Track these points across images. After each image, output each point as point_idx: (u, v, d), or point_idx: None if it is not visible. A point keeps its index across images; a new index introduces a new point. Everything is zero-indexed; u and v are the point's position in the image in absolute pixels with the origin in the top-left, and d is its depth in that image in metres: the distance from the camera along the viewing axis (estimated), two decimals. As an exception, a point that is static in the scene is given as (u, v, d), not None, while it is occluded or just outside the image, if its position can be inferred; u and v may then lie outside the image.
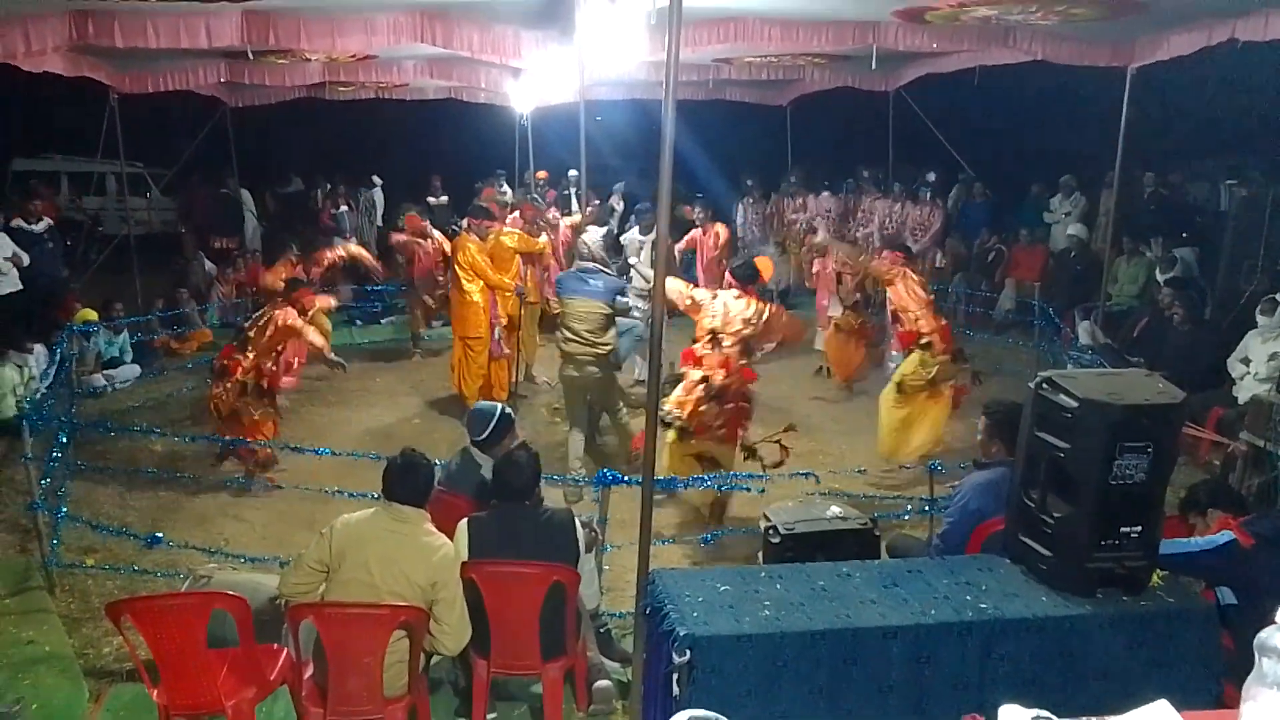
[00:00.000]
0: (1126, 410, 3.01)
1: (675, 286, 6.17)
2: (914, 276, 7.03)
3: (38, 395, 7.13)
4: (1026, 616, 3.05)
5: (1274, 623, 1.51)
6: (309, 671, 3.64)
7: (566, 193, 13.56)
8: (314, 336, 6.92)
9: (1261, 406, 5.84)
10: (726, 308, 6.02)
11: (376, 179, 14.97)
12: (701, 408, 5.83)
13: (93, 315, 9.14)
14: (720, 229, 10.01)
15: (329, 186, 14.26)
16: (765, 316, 6.04)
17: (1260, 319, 7.10)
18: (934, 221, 11.58)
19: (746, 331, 5.97)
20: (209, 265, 11.89)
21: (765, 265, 6.77)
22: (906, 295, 6.86)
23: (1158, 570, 3.24)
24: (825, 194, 12.86)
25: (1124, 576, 3.14)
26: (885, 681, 2.99)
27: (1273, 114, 11.06)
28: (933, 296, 7.08)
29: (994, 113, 14.70)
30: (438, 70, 10.29)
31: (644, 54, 7.83)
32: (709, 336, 5.98)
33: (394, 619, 3.43)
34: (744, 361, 6.03)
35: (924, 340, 6.74)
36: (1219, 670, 3.15)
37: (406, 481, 3.67)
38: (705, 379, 5.88)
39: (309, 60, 9.75)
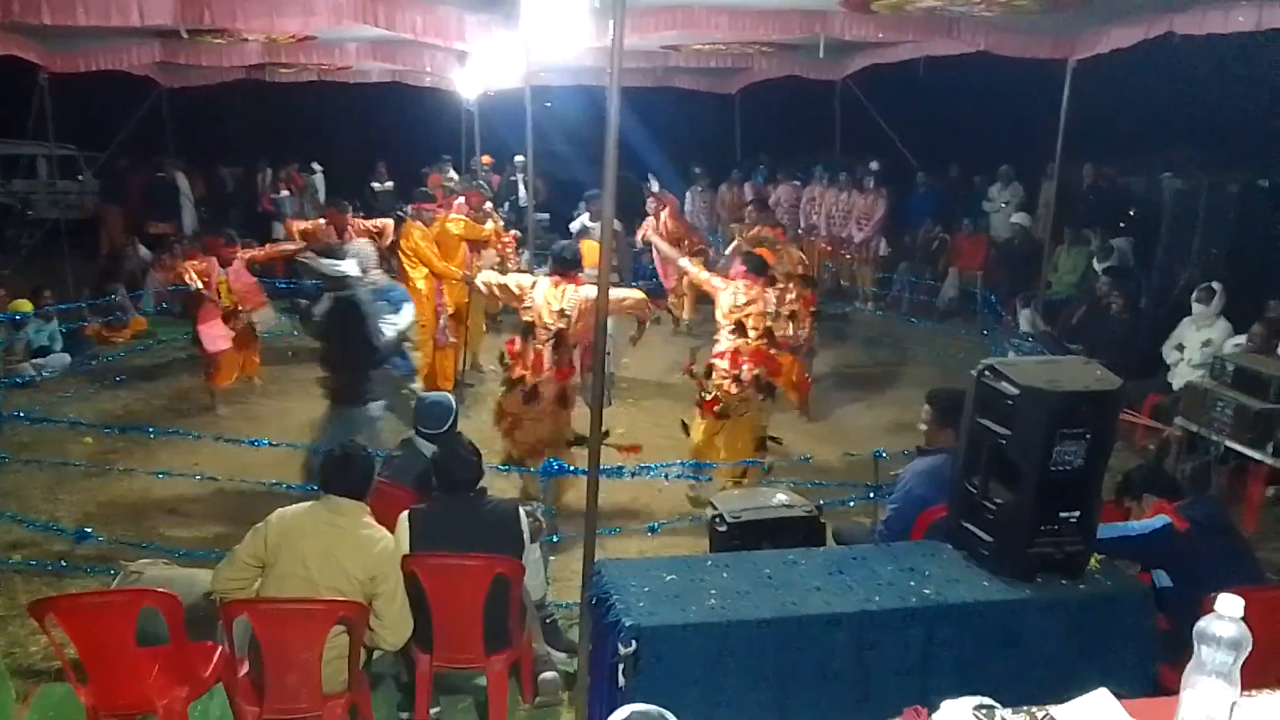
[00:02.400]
0: (1065, 397, 3.05)
1: (517, 279, 5.85)
2: (734, 294, 6.03)
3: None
4: (968, 601, 3.08)
5: (1212, 610, 1.52)
6: (244, 669, 3.55)
7: (513, 179, 13.46)
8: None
9: (1195, 392, 5.98)
10: (547, 301, 5.56)
11: (317, 165, 14.70)
12: (516, 410, 5.60)
13: (27, 306, 8.83)
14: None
15: (269, 171, 13.97)
16: (581, 308, 5.49)
17: (1196, 306, 7.27)
18: (878, 210, 11.69)
19: (558, 325, 5.49)
20: (143, 251, 11.56)
21: (592, 249, 6.23)
22: (717, 309, 6.10)
23: (1095, 554, 3.29)
24: (784, 184, 12.93)
25: (1063, 561, 3.19)
26: (830, 668, 3.00)
27: (1208, 108, 11.34)
28: (739, 318, 6.02)
29: (938, 103, 14.86)
30: (381, 53, 10.09)
31: (590, 40, 7.77)
32: (524, 331, 5.62)
33: (332, 614, 3.36)
34: (555, 358, 5.57)
35: (709, 362, 6.14)
36: (1154, 652, 3.22)
37: (345, 474, 3.60)
38: (520, 380, 5.59)
39: (246, 41, 9.49)
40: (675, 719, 1.94)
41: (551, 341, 5.55)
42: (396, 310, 6.10)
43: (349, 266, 5.57)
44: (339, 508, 3.54)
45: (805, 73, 11.36)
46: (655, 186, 10.43)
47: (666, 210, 10.26)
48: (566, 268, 5.71)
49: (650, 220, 10.16)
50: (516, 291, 5.74)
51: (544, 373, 5.56)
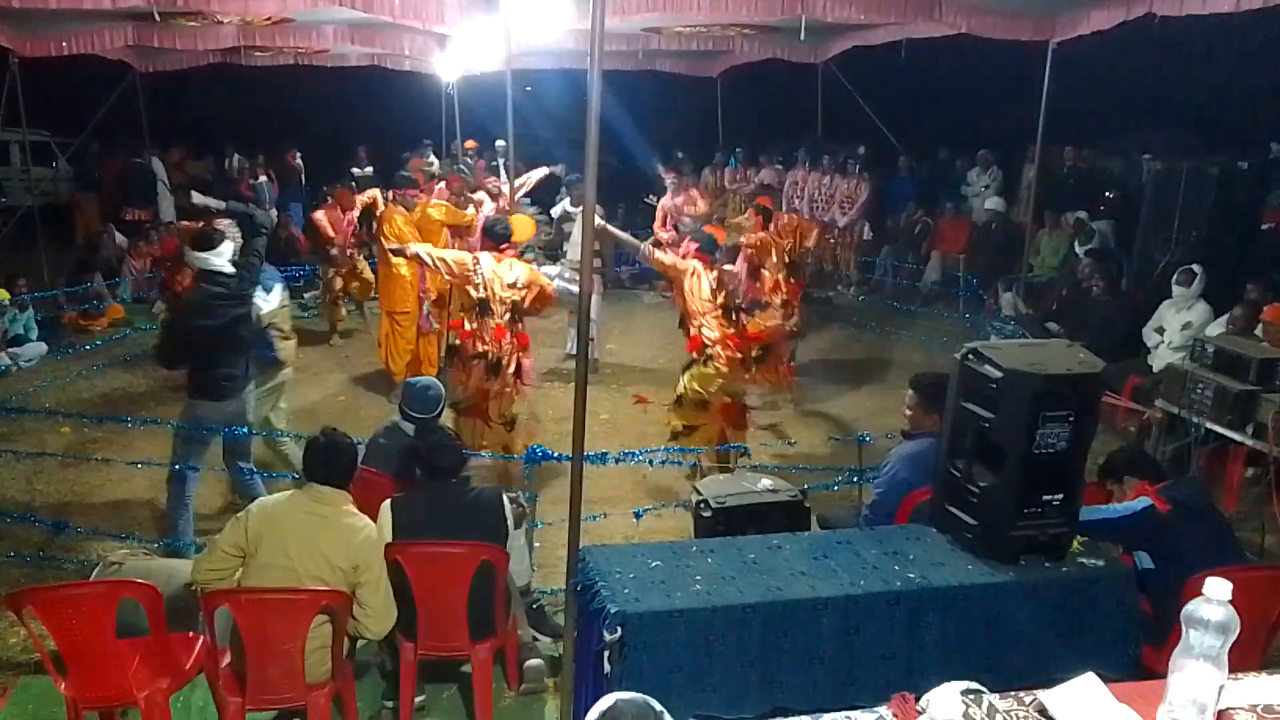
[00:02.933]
0: (1049, 380, 3.05)
1: (457, 256, 5.97)
2: (707, 275, 6.03)
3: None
4: (952, 585, 3.09)
5: (1196, 593, 1.52)
6: (226, 659, 3.52)
7: (495, 164, 13.38)
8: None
9: (1176, 374, 6.01)
10: (496, 274, 5.74)
11: (295, 151, 14.57)
12: (485, 384, 5.76)
13: (3, 295, 8.71)
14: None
15: (236, 157, 13.85)
16: (530, 279, 5.83)
17: (1176, 289, 7.31)
18: (861, 194, 11.69)
19: (514, 296, 5.76)
20: (120, 238, 11.42)
21: (522, 224, 6.60)
22: (691, 296, 6.00)
23: (1078, 536, 3.31)
24: (767, 168, 12.90)
25: (1046, 543, 3.21)
26: (816, 653, 3.00)
27: (1188, 90, 11.38)
28: (722, 301, 6.06)
29: (920, 87, 14.87)
30: (359, 36, 9.97)
31: (571, 22, 7.70)
32: (477, 308, 5.75)
33: (314, 604, 3.33)
34: (513, 329, 5.85)
35: (707, 352, 5.96)
36: (1137, 633, 3.24)
37: (329, 462, 3.57)
38: (483, 355, 5.72)
39: (221, 23, 9.35)
40: (659, 705, 1.93)
41: (508, 314, 5.74)
42: (268, 291, 5.82)
43: (220, 258, 5.09)
44: (321, 496, 3.51)
45: (786, 56, 11.30)
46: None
47: (692, 189, 10.38)
48: (499, 240, 5.87)
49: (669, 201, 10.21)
50: (457, 269, 5.79)
51: (505, 345, 5.72)
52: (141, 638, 3.46)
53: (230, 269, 5.09)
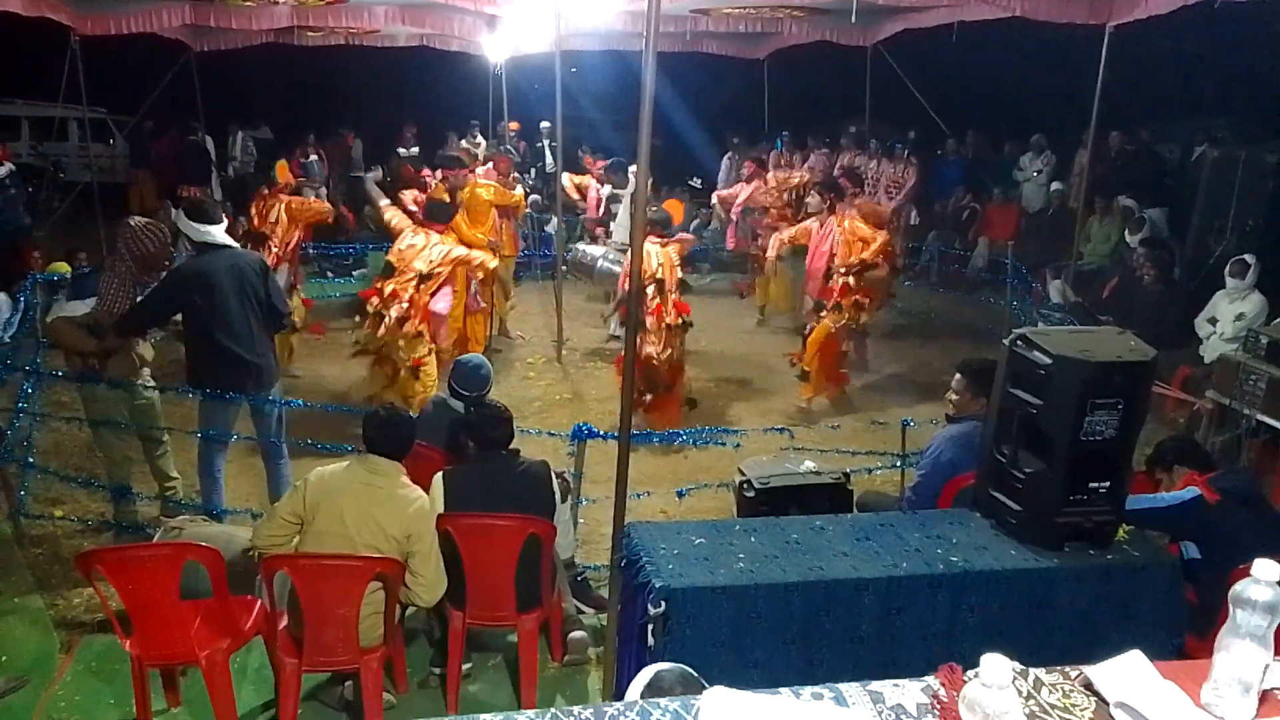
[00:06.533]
0: (1099, 368, 3.05)
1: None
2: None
3: (2, 344, 6.99)
4: (995, 569, 3.11)
5: (1249, 574, 1.54)
6: (283, 622, 3.64)
7: (540, 145, 13.44)
8: None
9: (1228, 365, 5.93)
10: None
11: (343, 130, 14.74)
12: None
13: (64, 268, 8.94)
14: None
15: (240, 134, 14.04)
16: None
17: (1229, 280, 7.17)
18: (909, 179, 11.58)
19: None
20: (175, 214, 11.65)
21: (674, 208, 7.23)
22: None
23: (1124, 525, 3.30)
24: (815, 152, 12.82)
25: (1091, 531, 3.21)
26: (856, 632, 3.05)
27: (1247, 76, 11.09)
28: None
29: (972, 71, 14.64)
30: (409, 16, 10.05)
31: (622, 3, 7.71)
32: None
33: (369, 571, 3.43)
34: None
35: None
36: (1182, 622, 3.23)
37: (389, 435, 3.66)
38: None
39: (276, 3, 9.48)
40: (698, 676, 1.97)
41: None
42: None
43: (218, 232, 5.10)
44: (377, 467, 3.60)
45: (836, 38, 11.19)
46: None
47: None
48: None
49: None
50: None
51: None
52: (203, 599, 3.59)
53: (229, 242, 5.18)
